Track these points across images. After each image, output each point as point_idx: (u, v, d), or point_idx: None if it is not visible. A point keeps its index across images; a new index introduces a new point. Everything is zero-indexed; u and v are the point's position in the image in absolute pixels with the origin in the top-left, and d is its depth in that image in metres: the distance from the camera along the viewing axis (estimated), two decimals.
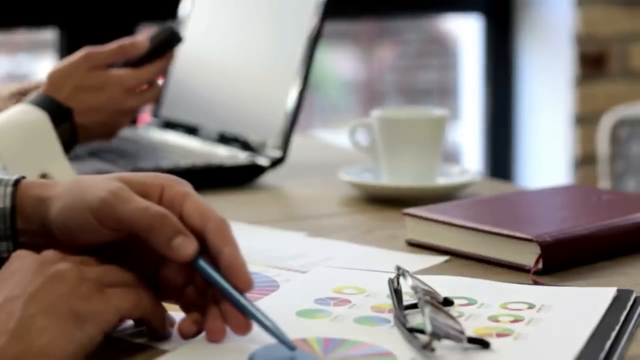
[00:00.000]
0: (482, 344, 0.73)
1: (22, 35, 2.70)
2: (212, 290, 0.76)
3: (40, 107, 1.26)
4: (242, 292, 0.74)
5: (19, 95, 1.35)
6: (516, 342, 0.75)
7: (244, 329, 0.74)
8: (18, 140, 1.22)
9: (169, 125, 1.56)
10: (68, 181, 0.78)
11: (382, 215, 1.19)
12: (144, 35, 1.39)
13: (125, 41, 1.36)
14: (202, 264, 0.75)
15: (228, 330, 0.75)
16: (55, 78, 1.31)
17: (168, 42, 1.39)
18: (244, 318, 0.74)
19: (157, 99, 1.44)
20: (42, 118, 1.24)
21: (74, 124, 1.29)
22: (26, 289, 0.71)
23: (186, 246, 0.74)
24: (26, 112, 1.25)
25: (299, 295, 0.86)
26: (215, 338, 0.74)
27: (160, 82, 1.45)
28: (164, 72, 1.46)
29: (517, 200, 1.16)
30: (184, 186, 0.77)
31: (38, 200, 0.79)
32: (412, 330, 0.75)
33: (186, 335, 0.75)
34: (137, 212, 0.74)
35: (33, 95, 1.29)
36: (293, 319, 0.80)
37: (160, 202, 0.76)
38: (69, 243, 0.77)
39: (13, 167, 1.16)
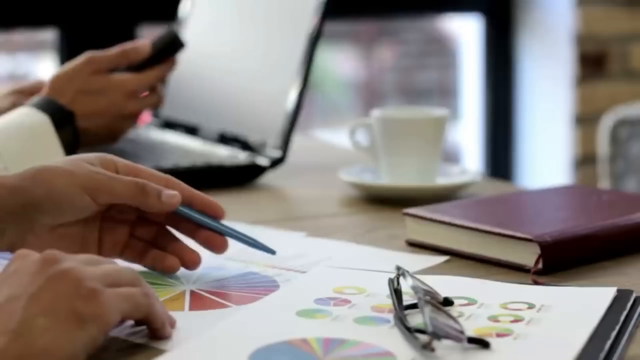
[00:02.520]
0: (482, 344, 0.73)
1: (22, 35, 2.70)
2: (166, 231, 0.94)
3: (42, 110, 1.26)
4: (219, 219, 0.93)
5: (17, 94, 1.35)
6: (516, 342, 0.75)
7: (222, 247, 0.94)
8: (19, 143, 1.22)
9: (169, 125, 1.56)
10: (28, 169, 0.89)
11: (382, 215, 1.19)
12: (146, 40, 1.39)
13: (127, 46, 1.36)
14: (181, 208, 0.92)
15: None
16: (57, 82, 1.32)
17: (170, 47, 1.39)
18: (222, 237, 0.93)
19: (159, 104, 1.43)
20: (43, 121, 1.25)
21: (76, 127, 1.29)
22: (27, 288, 0.71)
23: (173, 197, 0.91)
24: (28, 115, 1.25)
25: (299, 295, 0.86)
26: (196, 265, 0.93)
27: (163, 87, 1.44)
28: (166, 77, 1.45)
29: (517, 200, 1.16)
30: (120, 159, 0.93)
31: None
32: (412, 330, 0.75)
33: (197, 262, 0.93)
34: (127, 185, 0.89)
35: (35, 98, 1.29)
36: (293, 319, 0.80)
37: (118, 174, 0.92)
38: (49, 222, 0.88)
39: (14, 169, 1.16)
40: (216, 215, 0.93)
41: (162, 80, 1.41)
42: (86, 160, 0.90)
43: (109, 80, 1.34)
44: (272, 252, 0.96)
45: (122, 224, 0.93)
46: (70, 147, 1.28)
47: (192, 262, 0.93)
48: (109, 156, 0.92)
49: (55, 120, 1.26)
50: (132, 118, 1.37)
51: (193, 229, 0.94)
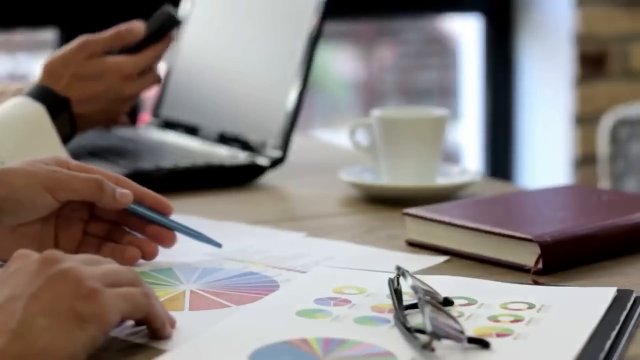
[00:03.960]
0: (482, 344, 0.73)
1: (22, 35, 2.70)
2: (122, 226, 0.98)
3: (37, 99, 1.24)
4: (167, 215, 0.97)
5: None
6: (516, 342, 0.75)
7: (171, 241, 0.97)
8: (14, 134, 1.21)
9: (169, 125, 1.56)
10: None
11: (382, 215, 1.19)
12: (140, 21, 1.37)
13: (121, 27, 1.35)
14: (133, 205, 0.96)
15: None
16: (51, 68, 1.30)
17: (166, 25, 1.38)
18: (170, 232, 0.97)
19: (157, 84, 1.41)
20: (38, 110, 1.23)
21: (73, 113, 1.27)
22: (27, 288, 0.71)
23: (127, 196, 0.95)
24: (22, 105, 1.24)
25: (299, 295, 0.86)
26: (154, 256, 0.96)
27: (160, 66, 1.42)
28: (163, 56, 1.42)
29: (517, 200, 1.16)
30: (72, 160, 0.97)
31: None
32: (412, 330, 0.75)
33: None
34: (85, 182, 0.93)
35: (29, 87, 1.27)
36: (293, 319, 0.80)
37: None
38: (11, 222, 0.92)
39: (10, 161, 1.15)
40: (164, 211, 0.98)
41: (159, 58, 1.39)
42: (42, 161, 0.95)
43: (105, 64, 1.32)
44: (218, 245, 0.99)
45: (76, 221, 0.96)
46: (67, 134, 1.27)
47: (150, 253, 0.97)
48: (62, 157, 0.97)
49: (51, 108, 1.24)
50: (130, 100, 1.36)
51: (142, 224, 0.98)
